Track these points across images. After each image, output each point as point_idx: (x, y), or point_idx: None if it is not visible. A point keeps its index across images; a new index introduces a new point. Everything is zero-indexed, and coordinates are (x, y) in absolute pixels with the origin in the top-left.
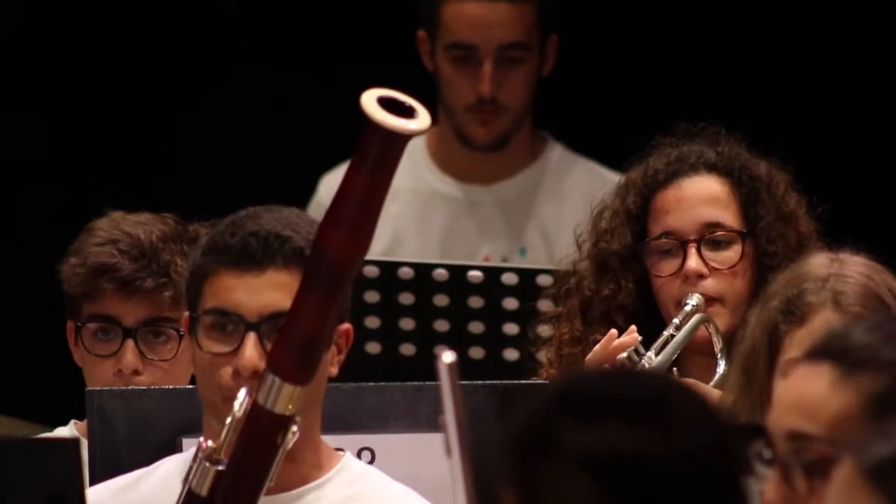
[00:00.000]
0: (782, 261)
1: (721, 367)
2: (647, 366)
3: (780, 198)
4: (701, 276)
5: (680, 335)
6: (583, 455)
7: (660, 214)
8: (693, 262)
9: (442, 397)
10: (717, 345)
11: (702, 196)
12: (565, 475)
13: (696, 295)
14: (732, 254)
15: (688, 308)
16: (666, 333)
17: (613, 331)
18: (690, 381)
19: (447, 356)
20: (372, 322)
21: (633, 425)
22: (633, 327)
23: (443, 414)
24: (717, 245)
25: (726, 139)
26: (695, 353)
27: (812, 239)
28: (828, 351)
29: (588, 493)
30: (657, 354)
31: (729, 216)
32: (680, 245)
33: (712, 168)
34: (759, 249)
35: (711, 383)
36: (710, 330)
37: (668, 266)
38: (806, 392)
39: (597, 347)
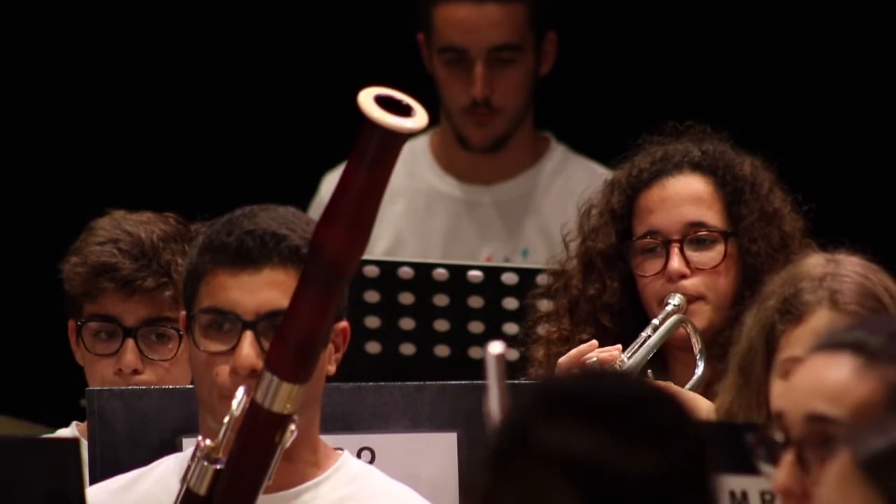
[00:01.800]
0: (765, 260)
1: (699, 368)
2: (618, 368)
3: (764, 197)
4: (683, 276)
5: (654, 337)
6: (558, 457)
7: (644, 214)
8: (675, 261)
9: (488, 389)
10: (696, 346)
11: (685, 195)
12: (539, 476)
13: (678, 295)
14: (715, 253)
15: (668, 308)
16: (643, 335)
17: (595, 342)
18: (665, 384)
19: (495, 347)
20: (372, 322)
21: (609, 429)
22: (619, 346)
23: (488, 404)
24: (700, 244)
25: (711, 138)
26: (678, 350)
27: (796, 238)
28: (844, 343)
29: (562, 496)
30: (629, 358)
31: (712, 215)
32: (663, 244)
33: (696, 167)
34: (742, 249)
35: (688, 385)
36: (689, 330)
37: (651, 265)
38: (828, 377)
39: (573, 352)
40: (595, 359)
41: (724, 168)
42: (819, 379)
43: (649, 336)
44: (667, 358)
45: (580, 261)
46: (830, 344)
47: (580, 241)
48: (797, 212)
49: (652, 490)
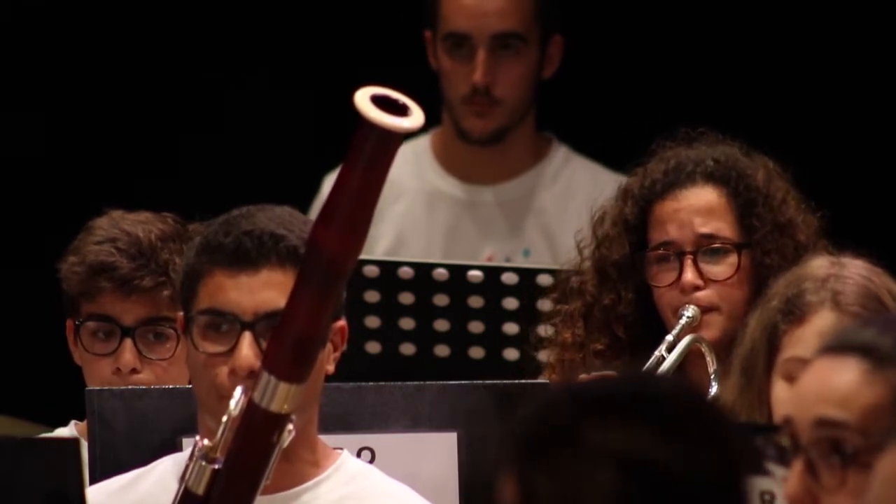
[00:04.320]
0: (779, 272)
1: (713, 389)
2: None
3: (777, 207)
4: (697, 288)
5: (670, 359)
6: (612, 454)
7: (657, 225)
8: (689, 274)
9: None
10: (711, 366)
11: (698, 207)
12: (591, 473)
13: (692, 307)
14: (728, 265)
15: (683, 321)
16: (657, 353)
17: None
18: None
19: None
20: (372, 322)
21: (661, 427)
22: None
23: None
24: (713, 256)
25: (724, 144)
26: (696, 356)
27: (811, 247)
28: (851, 346)
29: (616, 492)
30: None
31: (725, 227)
32: (676, 256)
33: (709, 178)
34: (756, 260)
35: None
36: (704, 350)
37: (665, 276)
38: (835, 382)
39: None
40: None
41: (737, 178)
42: (827, 383)
43: (663, 356)
44: (684, 363)
45: (594, 267)
46: (838, 346)
47: (594, 248)
48: (812, 216)
49: (704, 486)
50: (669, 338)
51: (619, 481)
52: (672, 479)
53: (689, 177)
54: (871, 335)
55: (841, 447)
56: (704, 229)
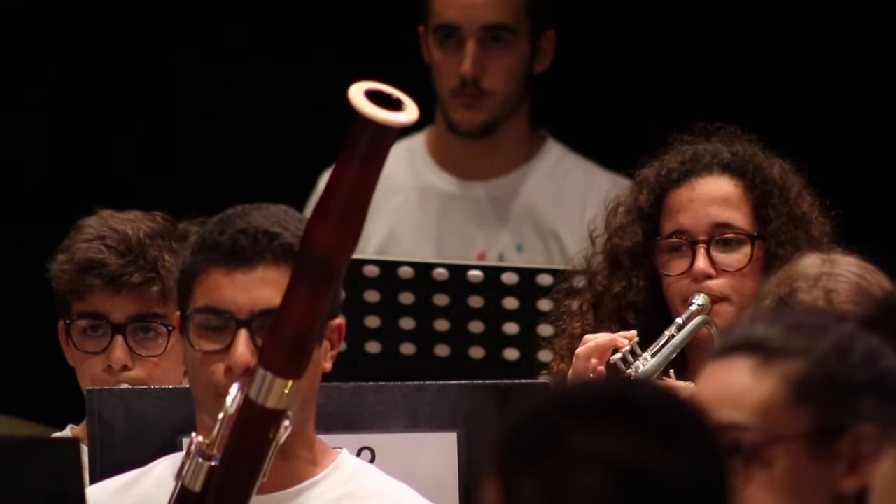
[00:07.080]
0: None
1: None
2: (641, 367)
3: (793, 200)
4: (709, 277)
5: (678, 337)
6: (597, 458)
7: (671, 213)
8: (701, 262)
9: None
10: None
11: (713, 196)
12: (575, 477)
13: (703, 295)
14: (741, 255)
15: (693, 308)
16: (667, 334)
17: (615, 336)
18: (684, 384)
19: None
20: (372, 322)
21: (646, 433)
22: (633, 333)
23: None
24: (726, 246)
25: (741, 140)
26: (699, 350)
27: (824, 242)
28: (738, 345)
29: (600, 496)
30: (653, 356)
31: (740, 217)
32: (689, 244)
33: (726, 168)
34: (769, 252)
35: None
36: (712, 332)
37: (677, 265)
38: (727, 384)
39: (591, 344)
40: (620, 355)
41: (754, 170)
42: (719, 388)
43: (673, 335)
44: (687, 358)
45: (606, 258)
46: (727, 348)
47: (606, 238)
48: (825, 216)
49: (689, 490)
50: (679, 321)
51: (605, 486)
52: (657, 483)
53: (705, 167)
54: (759, 330)
55: (741, 447)
56: (720, 218)
